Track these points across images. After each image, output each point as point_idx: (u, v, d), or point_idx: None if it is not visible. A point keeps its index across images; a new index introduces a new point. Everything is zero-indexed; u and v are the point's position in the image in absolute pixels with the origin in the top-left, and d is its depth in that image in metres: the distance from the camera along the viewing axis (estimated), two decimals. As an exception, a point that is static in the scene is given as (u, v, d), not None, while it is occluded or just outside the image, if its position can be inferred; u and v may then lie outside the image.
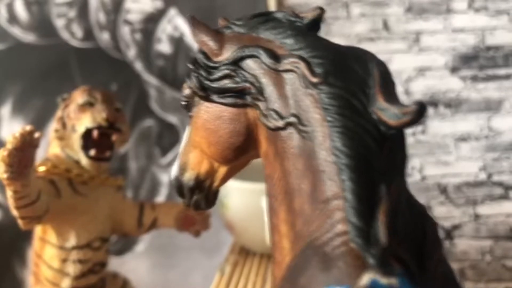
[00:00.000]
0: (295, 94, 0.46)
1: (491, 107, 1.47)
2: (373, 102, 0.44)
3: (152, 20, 1.49)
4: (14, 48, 1.49)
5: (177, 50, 1.49)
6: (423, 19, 1.46)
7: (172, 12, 1.48)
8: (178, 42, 1.49)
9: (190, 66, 0.54)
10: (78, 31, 1.50)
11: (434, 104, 1.47)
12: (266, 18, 0.52)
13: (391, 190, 0.41)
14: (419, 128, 1.46)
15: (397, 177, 0.44)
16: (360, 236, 0.39)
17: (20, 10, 1.49)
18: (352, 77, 0.45)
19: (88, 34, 1.49)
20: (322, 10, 0.52)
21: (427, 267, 0.43)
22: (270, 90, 0.48)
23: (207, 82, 0.52)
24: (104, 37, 1.50)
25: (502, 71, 1.46)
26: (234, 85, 0.51)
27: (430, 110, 1.47)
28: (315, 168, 0.44)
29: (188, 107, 0.57)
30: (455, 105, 1.47)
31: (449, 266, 0.47)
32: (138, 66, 1.50)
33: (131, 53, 1.49)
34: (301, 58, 0.46)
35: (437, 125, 1.47)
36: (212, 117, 0.53)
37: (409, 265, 0.40)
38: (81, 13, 1.49)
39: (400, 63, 1.47)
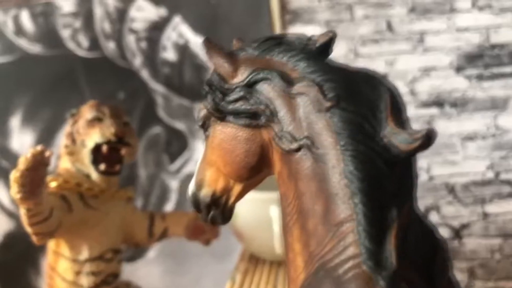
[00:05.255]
0: (308, 117, 0.48)
1: (497, 105, 1.46)
2: (384, 126, 0.45)
3: (156, 28, 1.50)
4: (21, 60, 1.51)
5: (182, 57, 1.50)
6: (427, 19, 1.46)
7: (177, 19, 1.49)
8: (183, 49, 1.50)
9: (206, 87, 0.55)
10: (84, 41, 1.51)
11: (440, 104, 1.47)
12: (279, 41, 0.53)
13: (402, 212, 0.43)
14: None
15: (408, 199, 0.45)
16: (372, 259, 0.40)
17: (26, 22, 1.51)
18: (363, 101, 0.46)
19: (94, 44, 1.51)
20: (333, 34, 0.53)
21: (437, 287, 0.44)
22: (283, 112, 0.49)
23: (222, 104, 0.53)
24: (110, 46, 1.51)
25: (507, 69, 1.46)
26: (249, 107, 0.52)
27: (436, 110, 1.47)
28: (328, 191, 0.45)
29: (205, 127, 0.58)
30: (461, 104, 1.47)
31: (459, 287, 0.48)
32: (145, 74, 1.51)
33: (137, 61, 1.51)
34: (314, 82, 0.47)
35: (444, 125, 1.47)
36: (228, 137, 0.54)
37: (418, 287, 0.41)
38: (87, 23, 1.51)
39: (404, 63, 1.47)
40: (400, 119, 0.45)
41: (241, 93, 0.52)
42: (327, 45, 0.53)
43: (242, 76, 0.53)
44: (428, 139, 0.42)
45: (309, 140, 0.47)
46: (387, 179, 0.43)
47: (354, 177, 0.43)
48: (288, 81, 0.49)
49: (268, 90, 0.51)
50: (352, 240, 0.42)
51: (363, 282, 0.40)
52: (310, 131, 0.47)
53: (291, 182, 0.49)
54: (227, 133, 0.54)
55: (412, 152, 0.44)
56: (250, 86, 0.52)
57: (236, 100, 0.53)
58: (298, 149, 0.48)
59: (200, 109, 0.58)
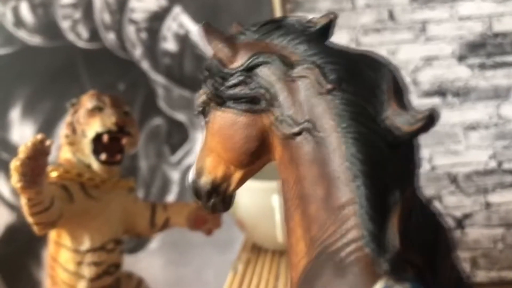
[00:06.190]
0: (309, 101, 0.47)
1: (500, 94, 1.46)
2: (386, 108, 0.44)
3: (157, 18, 1.49)
4: (21, 52, 1.50)
5: (183, 48, 1.49)
6: (429, 8, 1.45)
7: (177, 9, 1.48)
8: (183, 39, 1.49)
9: (205, 72, 0.55)
10: (84, 32, 1.50)
11: (442, 93, 1.47)
12: (278, 24, 0.53)
13: (405, 195, 0.42)
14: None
15: (411, 182, 0.44)
16: (374, 241, 0.40)
17: (26, 13, 1.50)
18: (365, 83, 0.45)
19: (94, 35, 1.50)
20: (334, 16, 0.52)
21: (440, 272, 0.44)
22: (284, 96, 0.49)
23: (222, 89, 0.53)
24: (110, 37, 1.50)
25: (510, 58, 1.45)
26: (249, 92, 0.51)
27: (438, 100, 1.47)
28: (330, 175, 0.44)
29: (204, 113, 0.57)
30: (463, 93, 1.46)
31: (461, 271, 0.47)
32: (145, 65, 1.50)
33: (137, 52, 1.50)
34: (314, 64, 0.47)
35: (446, 114, 1.46)
36: (227, 123, 0.53)
37: (421, 270, 0.41)
38: (86, 14, 1.50)
39: (407, 53, 1.47)
40: (402, 101, 0.45)
41: (241, 78, 0.51)
42: (328, 27, 0.52)
43: (241, 60, 0.52)
44: (430, 119, 0.42)
45: (310, 124, 0.46)
46: (389, 161, 0.43)
47: (356, 159, 0.43)
48: (288, 65, 0.48)
49: (268, 74, 0.50)
50: (354, 223, 0.42)
51: (365, 265, 0.39)
52: (311, 114, 0.46)
53: (292, 167, 0.49)
54: (227, 118, 0.53)
55: (414, 133, 0.43)
56: (249, 70, 0.51)
57: (236, 85, 0.52)
58: (299, 133, 0.47)
59: (200, 95, 0.57)
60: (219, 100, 0.53)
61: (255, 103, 0.51)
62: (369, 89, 0.45)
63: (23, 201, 0.85)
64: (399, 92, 0.45)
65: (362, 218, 0.41)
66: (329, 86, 0.45)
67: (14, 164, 0.77)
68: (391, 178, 0.42)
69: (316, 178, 0.46)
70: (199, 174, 0.59)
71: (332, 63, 0.46)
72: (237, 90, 0.52)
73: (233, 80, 0.52)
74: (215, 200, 0.60)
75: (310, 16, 1.47)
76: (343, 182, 0.43)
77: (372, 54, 0.49)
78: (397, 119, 0.43)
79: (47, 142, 0.80)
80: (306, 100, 0.47)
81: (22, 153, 0.77)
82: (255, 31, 0.53)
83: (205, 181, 0.59)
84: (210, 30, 0.54)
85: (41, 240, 1.35)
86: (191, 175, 0.61)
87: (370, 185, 0.42)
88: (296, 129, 0.47)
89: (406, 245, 0.40)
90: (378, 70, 0.46)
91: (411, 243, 0.41)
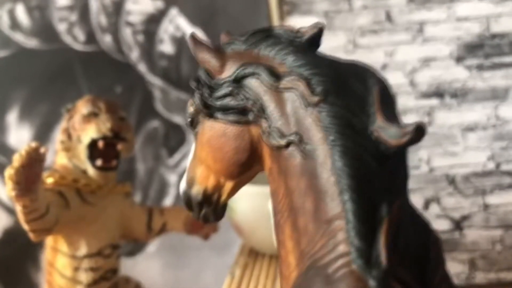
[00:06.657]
0: (296, 113, 0.47)
1: (498, 95, 1.45)
2: (373, 121, 0.44)
3: (153, 20, 1.49)
4: (17, 54, 1.49)
5: (179, 50, 1.49)
6: (427, 9, 1.45)
7: (173, 12, 1.48)
8: (180, 42, 1.48)
9: (194, 83, 0.55)
10: (80, 34, 1.50)
11: (440, 94, 1.46)
12: (266, 34, 0.52)
13: (393, 209, 0.42)
14: (425, 119, 1.45)
15: (399, 195, 0.44)
16: (362, 257, 0.39)
17: (22, 16, 1.49)
18: (352, 96, 0.45)
19: (90, 38, 1.50)
20: (322, 26, 0.52)
21: (430, 284, 0.43)
22: (271, 108, 0.49)
23: (210, 100, 0.53)
24: (107, 39, 1.50)
25: (508, 59, 1.45)
26: (237, 103, 0.51)
27: (436, 101, 1.46)
28: (318, 188, 0.44)
29: (193, 124, 0.57)
30: (461, 95, 1.46)
31: (452, 283, 0.47)
32: (142, 67, 1.50)
33: (134, 54, 1.49)
34: (301, 76, 0.46)
35: (444, 116, 1.46)
36: (216, 134, 0.53)
37: (410, 285, 0.41)
38: (83, 16, 1.49)
39: (404, 54, 1.46)
40: (390, 113, 0.45)
41: (229, 89, 0.51)
42: (316, 37, 0.52)
43: (229, 71, 0.52)
44: (418, 133, 0.41)
45: (298, 136, 0.46)
46: (376, 175, 0.43)
47: (343, 173, 0.42)
48: (276, 76, 0.48)
49: (256, 86, 0.50)
50: (342, 238, 0.41)
51: (353, 281, 0.39)
52: (299, 126, 0.46)
53: (281, 179, 0.49)
54: (216, 129, 0.53)
55: (402, 147, 0.43)
56: (237, 81, 0.51)
57: (224, 96, 0.52)
58: (287, 146, 0.47)
59: (189, 106, 0.57)
60: (208, 111, 0.53)
61: (244, 114, 0.51)
62: (356, 101, 0.45)
63: (18, 209, 0.84)
64: (387, 104, 0.45)
65: (349, 234, 0.41)
66: (315, 99, 0.45)
67: (9, 172, 0.77)
68: (379, 192, 0.42)
69: (304, 191, 0.45)
70: (190, 184, 0.60)
71: (319, 74, 0.46)
72: (225, 102, 0.52)
73: (221, 91, 0.52)
74: (207, 210, 0.60)
75: (306, 18, 1.46)
76: (331, 196, 0.43)
77: (360, 64, 0.49)
78: (384, 132, 0.43)
79: (42, 150, 0.80)
80: (294, 112, 0.47)
81: (16, 161, 0.77)
82: (244, 41, 0.53)
83: (196, 191, 0.59)
84: (197, 41, 0.54)
85: (39, 244, 1.34)
86: (182, 186, 0.61)
87: (357, 200, 0.41)
88: (283, 142, 0.47)
89: (394, 260, 0.40)
90: (365, 81, 0.46)
91: (400, 258, 0.41)
